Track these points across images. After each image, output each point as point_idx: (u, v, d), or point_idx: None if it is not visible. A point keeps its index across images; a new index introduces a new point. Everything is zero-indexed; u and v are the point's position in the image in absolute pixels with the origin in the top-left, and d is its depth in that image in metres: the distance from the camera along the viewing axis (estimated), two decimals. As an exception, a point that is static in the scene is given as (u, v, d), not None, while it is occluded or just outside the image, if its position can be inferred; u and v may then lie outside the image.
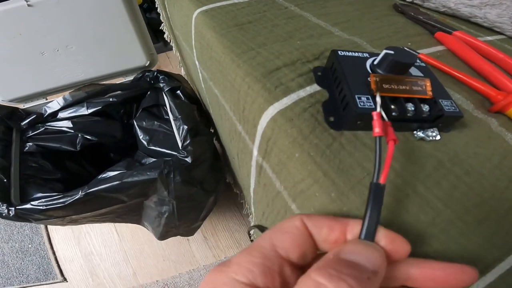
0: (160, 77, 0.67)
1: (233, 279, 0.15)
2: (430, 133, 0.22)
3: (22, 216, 0.49)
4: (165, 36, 0.72)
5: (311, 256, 0.17)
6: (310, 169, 0.21)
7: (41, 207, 0.48)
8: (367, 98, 0.21)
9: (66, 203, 0.47)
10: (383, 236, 0.16)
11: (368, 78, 0.21)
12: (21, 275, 0.93)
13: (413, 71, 0.24)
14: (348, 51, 0.25)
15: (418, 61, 0.25)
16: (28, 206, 0.49)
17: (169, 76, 0.67)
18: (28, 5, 0.56)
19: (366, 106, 0.20)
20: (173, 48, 0.72)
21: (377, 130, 0.17)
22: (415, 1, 0.42)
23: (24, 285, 0.92)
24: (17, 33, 0.59)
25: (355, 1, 0.40)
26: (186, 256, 0.94)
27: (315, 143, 0.21)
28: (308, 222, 0.17)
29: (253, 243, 0.17)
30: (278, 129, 0.23)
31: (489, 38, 0.36)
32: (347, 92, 0.21)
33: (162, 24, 0.69)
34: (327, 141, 0.22)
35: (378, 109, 0.19)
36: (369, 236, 0.16)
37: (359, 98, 0.20)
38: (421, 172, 0.20)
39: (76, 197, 0.47)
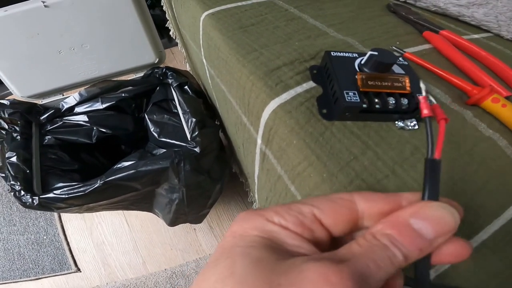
0: (169, 73, 0.71)
1: (265, 219, 0.16)
2: (409, 123, 0.25)
3: (45, 205, 0.53)
4: (170, 33, 0.75)
5: (346, 228, 0.17)
6: (306, 153, 0.24)
7: (63, 196, 0.52)
8: (354, 93, 0.24)
9: (86, 192, 0.51)
10: None
11: (356, 76, 0.25)
12: (37, 267, 0.95)
13: (396, 69, 0.27)
14: (340, 52, 0.28)
15: (401, 59, 0.28)
16: (50, 195, 0.52)
17: (177, 73, 0.71)
18: (45, 6, 0.59)
19: (353, 100, 0.24)
20: (179, 45, 0.75)
21: (425, 111, 0.18)
22: (408, 1, 0.45)
23: (40, 276, 0.94)
24: (35, 33, 0.62)
25: (350, 3, 0.42)
26: (193, 245, 0.96)
27: (310, 132, 0.25)
28: (360, 196, 0.17)
29: (293, 203, 0.17)
30: (279, 120, 0.27)
31: (475, 36, 0.38)
32: (337, 88, 0.25)
33: (168, 22, 0.72)
34: (320, 130, 0.25)
35: (424, 93, 0.19)
36: None
37: (347, 93, 0.24)
38: (400, 156, 0.23)
39: (95, 186, 0.51)
